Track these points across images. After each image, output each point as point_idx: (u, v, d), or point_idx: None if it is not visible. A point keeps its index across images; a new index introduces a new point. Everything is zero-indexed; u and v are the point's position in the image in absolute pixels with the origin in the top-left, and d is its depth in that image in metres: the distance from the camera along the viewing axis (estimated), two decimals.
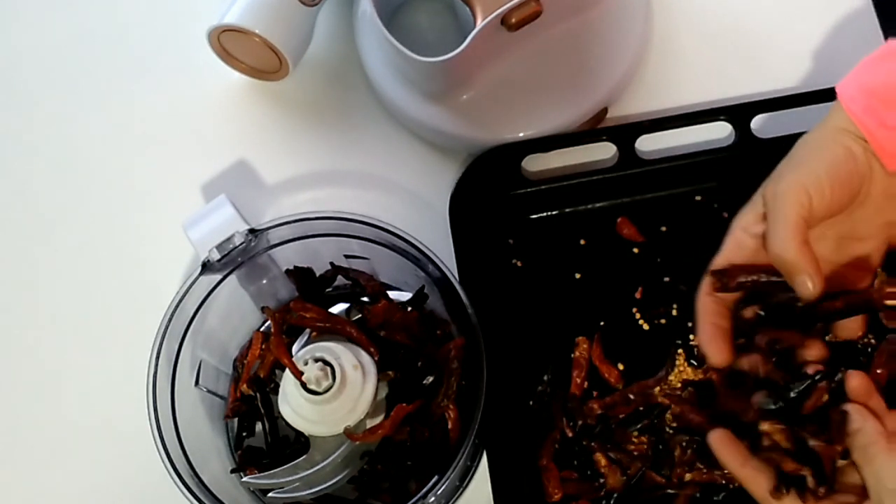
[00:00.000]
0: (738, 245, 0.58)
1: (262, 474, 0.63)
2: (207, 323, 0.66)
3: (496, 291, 0.70)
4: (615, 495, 0.65)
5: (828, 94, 0.70)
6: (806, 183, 0.55)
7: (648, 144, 0.73)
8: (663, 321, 0.69)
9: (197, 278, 0.64)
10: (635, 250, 0.72)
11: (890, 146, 0.55)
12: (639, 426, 0.66)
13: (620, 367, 0.69)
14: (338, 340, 0.63)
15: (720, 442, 0.55)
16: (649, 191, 0.73)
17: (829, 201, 0.55)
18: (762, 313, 0.59)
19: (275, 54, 0.74)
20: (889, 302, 0.64)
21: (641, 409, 0.67)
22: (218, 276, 0.65)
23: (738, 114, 0.72)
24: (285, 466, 0.63)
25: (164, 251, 0.74)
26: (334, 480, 0.62)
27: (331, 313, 0.65)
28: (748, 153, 0.72)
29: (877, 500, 0.51)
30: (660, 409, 0.66)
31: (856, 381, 0.53)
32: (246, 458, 0.67)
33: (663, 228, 0.72)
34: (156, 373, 0.62)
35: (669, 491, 0.64)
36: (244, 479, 0.64)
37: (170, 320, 0.63)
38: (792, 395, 0.55)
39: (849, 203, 0.57)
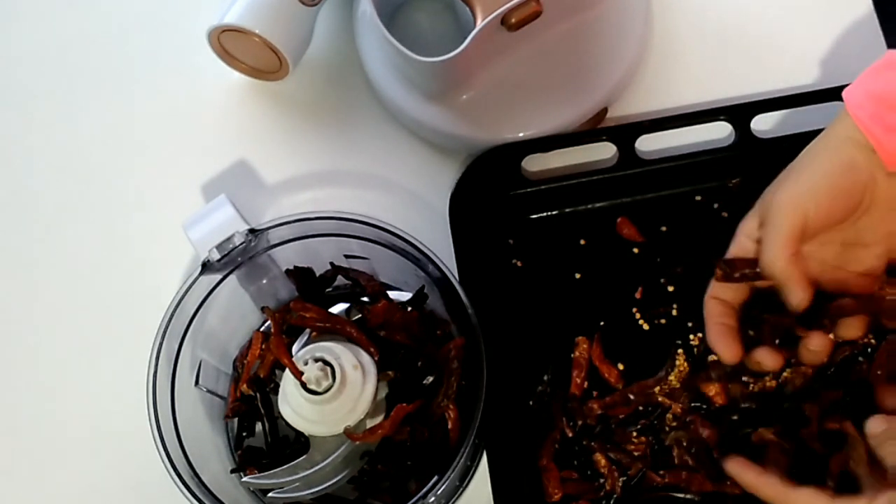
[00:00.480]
0: (741, 249, 0.59)
1: (262, 474, 0.63)
2: (207, 323, 0.66)
3: (496, 291, 0.70)
4: (615, 496, 0.65)
5: (828, 94, 0.71)
6: (804, 195, 0.56)
7: (648, 144, 0.73)
8: (663, 321, 0.69)
9: (197, 278, 0.64)
10: (635, 250, 0.72)
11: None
12: (639, 426, 0.66)
13: (620, 367, 0.69)
14: (338, 340, 0.63)
15: (762, 482, 0.56)
16: (649, 191, 0.73)
17: (828, 213, 0.56)
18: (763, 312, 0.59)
19: (275, 54, 0.74)
20: (890, 298, 0.64)
21: (641, 409, 0.67)
22: (218, 276, 0.65)
23: (738, 114, 0.72)
24: (285, 466, 0.63)
25: (164, 251, 0.74)
26: (334, 480, 0.62)
27: (331, 313, 0.65)
28: (748, 153, 0.72)
29: None
30: (660, 410, 0.67)
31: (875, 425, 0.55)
32: (246, 458, 0.67)
33: (663, 228, 0.72)
34: (156, 373, 0.62)
35: (674, 494, 0.65)
36: (244, 479, 0.64)
37: (170, 320, 0.63)
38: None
39: (850, 214, 0.57)
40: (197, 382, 0.67)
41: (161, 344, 0.63)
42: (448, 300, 0.64)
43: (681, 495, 0.64)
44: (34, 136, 0.82)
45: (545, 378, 0.68)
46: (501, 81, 0.73)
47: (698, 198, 0.73)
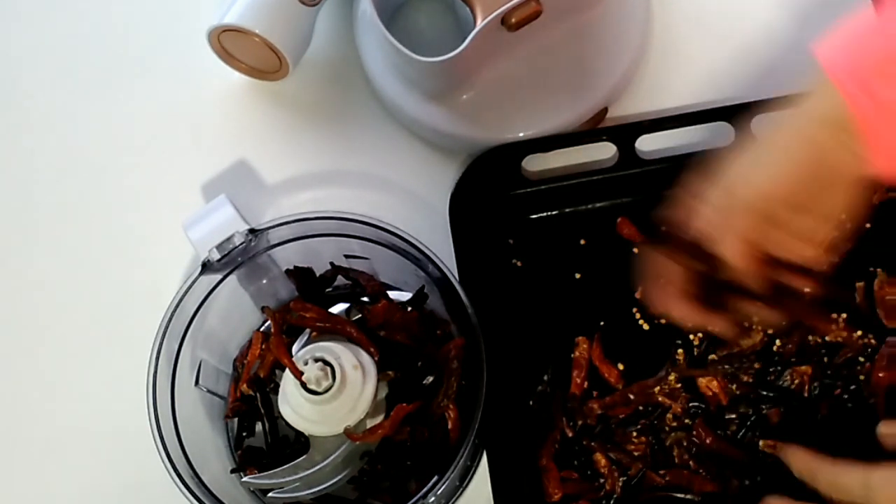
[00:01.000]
0: (690, 212, 0.59)
1: (262, 474, 0.63)
2: (207, 323, 0.66)
3: (496, 291, 0.70)
4: (615, 496, 0.65)
5: None
6: (771, 192, 0.55)
7: (648, 144, 0.73)
8: (663, 321, 0.69)
9: (197, 278, 0.64)
10: (635, 250, 0.72)
11: (878, 122, 0.52)
12: (639, 426, 0.66)
13: (620, 367, 0.68)
14: (338, 340, 0.63)
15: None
16: (649, 191, 0.73)
17: (793, 200, 0.55)
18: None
19: (275, 54, 0.74)
20: (890, 298, 0.65)
21: (641, 409, 0.67)
22: (218, 276, 0.65)
23: (738, 114, 0.72)
24: (285, 466, 0.63)
25: (164, 251, 0.74)
26: (334, 480, 0.62)
27: (331, 313, 0.65)
28: None
29: None
30: (660, 410, 0.67)
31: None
32: (246, 458, 0.67)
33: (663, 228, 0.72)
34: (156, 373, 0.62)
35: (674, 494, 0.65)
36: (244, 479, 0.64)
37: (170, 320, 0.63)
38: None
39: (813, 196, 0.56)
40: (197, 382, 0.67)
41: (161, 344, 0.63)
42: (448, 300, 0.64)
43: (681, 495, 0.64)
44: (34, 136, 0.82)
45: (545, 378, 0.68)
46: (501, 81, 0.73)
47: None
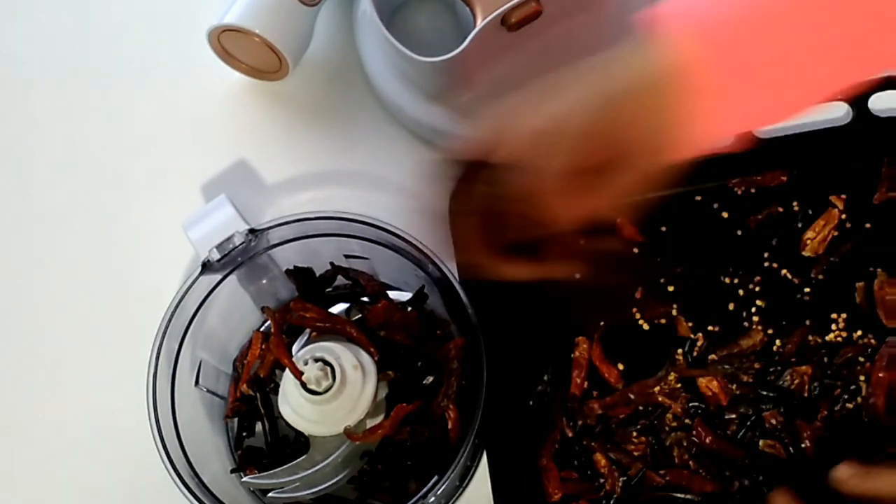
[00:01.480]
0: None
1: (262, 474, 0.63)
2: (207, 323, 0.66)
3: (496, 291, 0.69)
4: (615, 496, 0.65)
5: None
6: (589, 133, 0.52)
7: None
8: (663, 321, 0.69)
9: (197, 278, 0.64)
10: (635, 250, 0.72)
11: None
12: (639, 426, 0.66)
13: (620, 367, 0.68)
14: (338, 340, 0.63)
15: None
16: (649, 191, 0.72)
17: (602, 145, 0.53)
18: None
19: (275, 54, 0.74)
20: (890, 298, 0.64)
21: (641, 409, 0.67)
22: (218, 276, 0.65)
23: None
24: (285, 466, 0.63)
25: (164, 251, 0.74)
26: (334, 480, 0.62)
27: (331, 313, 0.65)
28: (748, 153, 0.71)
29: None
30: (660, 410, 0.67)
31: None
32: (246, 458, 0.67)
33: (663, 228, 0.72)
34: (156, 373, 0.62)
35: (674, 494, 0.65)
36: (244, 479, 0.64)
37: (170, 320, 0.63)
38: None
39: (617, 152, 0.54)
40: (197, 382, 0.67)
41: (161, 344, 0.63)
42: (448, 300, 0.64)
43: (681, 495, 0.64)
44: (34, 135, 0.82)
45: (545, 378, 0.68)
46: (501, 81, 0.73)
47: (698, 198, 0.73)
